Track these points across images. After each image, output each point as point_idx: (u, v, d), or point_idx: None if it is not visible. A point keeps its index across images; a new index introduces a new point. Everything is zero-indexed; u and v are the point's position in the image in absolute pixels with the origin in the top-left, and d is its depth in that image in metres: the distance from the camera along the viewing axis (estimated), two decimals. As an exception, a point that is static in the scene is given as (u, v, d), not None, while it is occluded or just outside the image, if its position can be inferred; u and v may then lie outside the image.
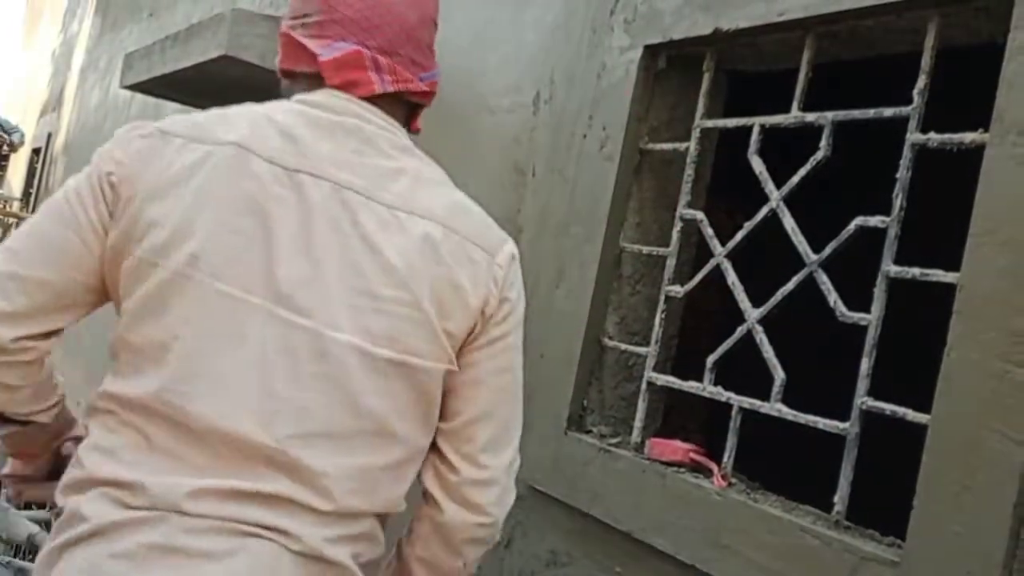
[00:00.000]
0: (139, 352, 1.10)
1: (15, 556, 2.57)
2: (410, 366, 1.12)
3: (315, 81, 1.19)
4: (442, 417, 1.21)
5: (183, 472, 1.06)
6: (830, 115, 1.54)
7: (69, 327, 1.18)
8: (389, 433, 1.14)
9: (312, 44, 1.19)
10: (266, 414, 1.07)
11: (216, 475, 1.06)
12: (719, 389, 1.66)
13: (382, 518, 1.19)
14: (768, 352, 1.58)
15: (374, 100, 1.19)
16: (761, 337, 1.61)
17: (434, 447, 1.22)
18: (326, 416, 1.10)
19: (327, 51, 1.17)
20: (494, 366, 1.20)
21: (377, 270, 1.10)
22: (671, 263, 1.81)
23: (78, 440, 1.28)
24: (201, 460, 1.07)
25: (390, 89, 1.18)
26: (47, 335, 1.16)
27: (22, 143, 10.36)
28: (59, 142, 9.23)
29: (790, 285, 1.56)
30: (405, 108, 1.25)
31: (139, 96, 5.17)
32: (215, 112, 1.18)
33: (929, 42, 1.43)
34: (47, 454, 1.37)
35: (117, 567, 1.02)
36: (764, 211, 1.63)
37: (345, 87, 1.17)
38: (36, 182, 10.37)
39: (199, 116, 1.17)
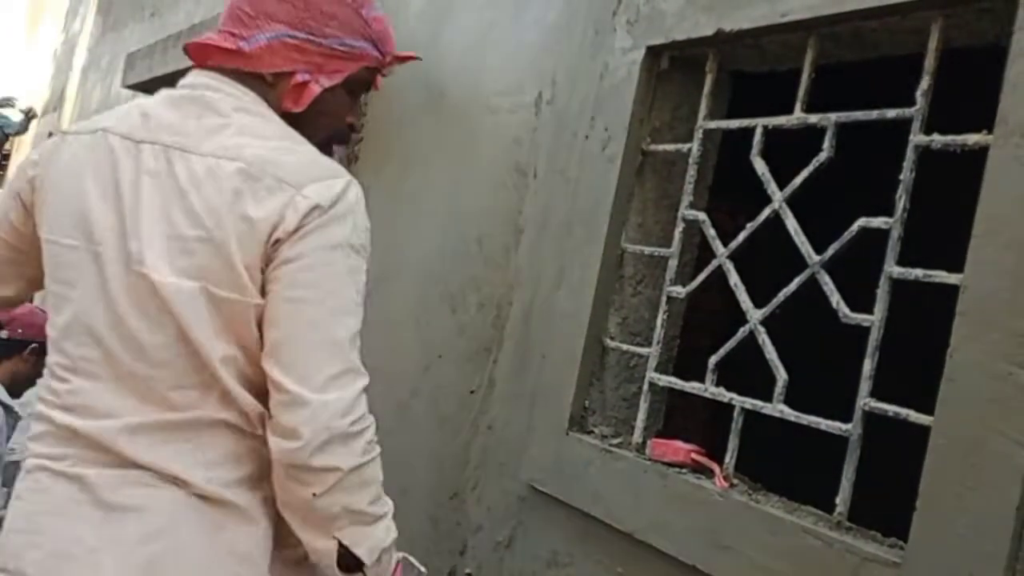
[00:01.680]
0: (54, 302, 1.36)
1: None
2: (217, 297, 1.24)
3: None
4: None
5: (99, 416, 1.28)
6: (833, 116, 1.54)
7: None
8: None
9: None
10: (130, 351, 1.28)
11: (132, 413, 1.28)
12: (721, 390, 1.66)
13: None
14: (770, 353, 1.58)
15: (232, 74, 1.37)
16: (763, 338, 1.61)
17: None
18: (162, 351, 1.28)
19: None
20: (284, 285, 1.23)
21: (183, 214, 1.25)
22: (673, 264, 1.81)
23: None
24: (114, 401, 1.28)
25: (215, 63, 1.38)
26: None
27: (19, 132, 10.35)
28: (60, 141, 9.21)
29: (792, 286, 1.56)
30: (257, 82, 1.38)
31: (140, 96, 5.17)
32: (111, 111, 1.45)
33: (932, 43, 1.43)
34: None
35: (45, 520, 1.26)
36: (766, 212, 1.63)
37: (200, 64, 1.41)
38: (37, 181, 10.36)
39: (96, 116, 1.45)
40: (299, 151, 1.32)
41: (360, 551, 1.28)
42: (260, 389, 1.27)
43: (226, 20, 1.38)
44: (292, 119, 1.38)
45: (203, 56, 1.39)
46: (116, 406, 1.27)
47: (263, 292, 1.25)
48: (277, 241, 1.22)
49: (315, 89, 1.38)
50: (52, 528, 1.24)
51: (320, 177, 1.27)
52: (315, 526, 1.27)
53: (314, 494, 1.23)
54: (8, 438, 3.07)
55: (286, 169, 1.25)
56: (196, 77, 1.38)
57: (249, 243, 1.22)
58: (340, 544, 1.27)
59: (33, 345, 3.13)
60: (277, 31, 1.35)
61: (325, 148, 1.41)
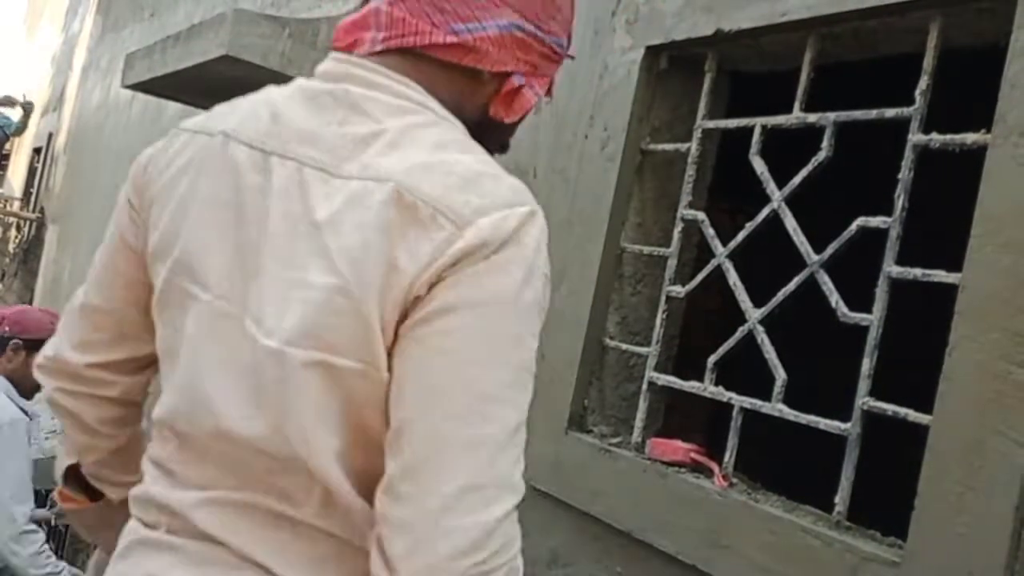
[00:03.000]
0: (162, 362, 1.05)
1: None
2: (337, 369, 0.89)
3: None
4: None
5: (188, 486, 0.99)
6: (832, 116, 1.54)
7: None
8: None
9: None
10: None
11: (223, 487, 0.98)
12: (720, 389, 1.67)
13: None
14: (769, 352, 1.58)
15: (401, 55, 0.99)
16: (762, 337, 1.61)
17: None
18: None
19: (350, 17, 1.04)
20: (419, 355, 0.87)
21: (311, 253, 0.91)
22: (672, 263, 1.81)
23: None
24: (208, 473, 0.99)
25: (379, 47, 0.99)
26: (126, 366, 1.13)
27: (19, 132, 10.35)
28: (60, 141, 9.23)
29: (791, 285, 1.56)
30: (453, 74, 1.01)
31: (140, 96, 5.17)
32: (238, 100, 1.07)
33: (931, 43, 1.43)
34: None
35: None
36: (766, 211, 1.63)
37: (348, 49, 1.02)
38: (37, 181, 10.37)
39: (220, 107, 1.07)
40: (457, 161, 0.92)
41: None
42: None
43: None
44: (470, 130, 1.01)
45: (352, 47, 1.02)
46: (199, 478, 0.99)
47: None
48: (410, 293, 0.86)
49: (530, 98, 1.05)
50: None
51: (487, 207, 0.88)
52: None
53: None
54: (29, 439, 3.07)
55: (439, 191, 0.88)
56: (339, 64, 1.01)
57: (391, 297, 0.87)
58: None
59: (15, 341, 3.09)
60: (510, 19, 1.00)
61: None
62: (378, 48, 0.99)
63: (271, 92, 1.04)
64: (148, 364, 1.12)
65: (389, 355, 0.88)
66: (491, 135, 1.05)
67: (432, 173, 0.90)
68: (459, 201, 0.88)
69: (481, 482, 0.85)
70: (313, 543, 0.94)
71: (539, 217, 0.91)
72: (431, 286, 0.86)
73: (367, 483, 0.92)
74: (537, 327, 0.95)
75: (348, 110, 0.97)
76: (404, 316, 0.87)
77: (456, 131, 0.98)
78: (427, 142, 0.94)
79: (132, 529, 1.03)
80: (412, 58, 0.99)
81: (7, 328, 3.12)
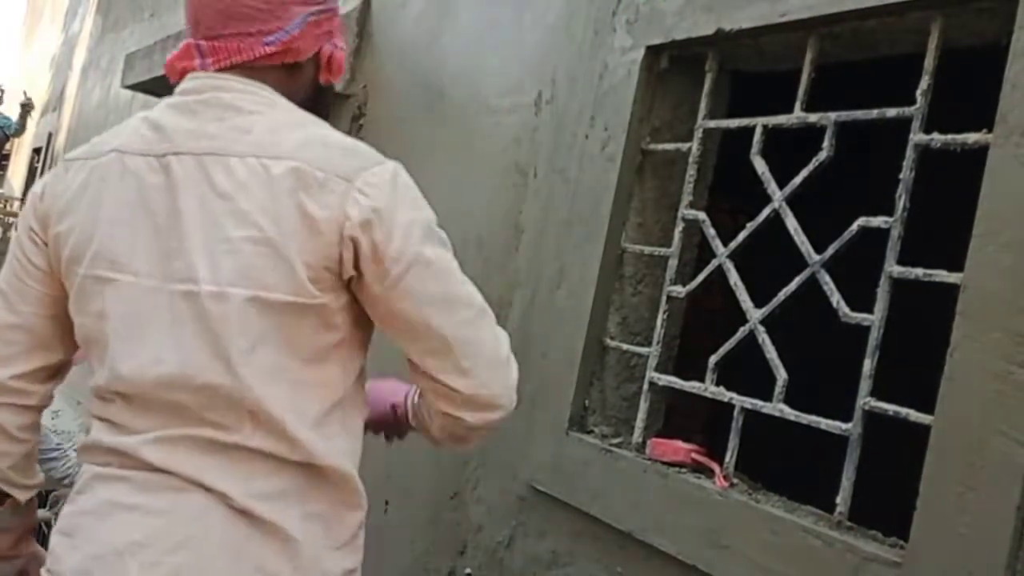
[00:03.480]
0: (89, 348, 1.28)
1: None
2: (268, 303, 1.16)
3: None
4: (408, 352, 1.25)
5: (134, 432, 1.22)
6: (833, 116, 1.54)
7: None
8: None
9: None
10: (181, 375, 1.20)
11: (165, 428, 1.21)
12: (721, 389, 1.66)
13: (307, 469, 1.22)
14: (770, 352, 1.58)
15: (236, 70, 1.27)
16: (763, 337, 1.61)
17: (419, 377, 1.27)
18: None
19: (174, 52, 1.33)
20: (419, 289, 1.20)
21: (229, 216, 1.17)
22: (673, 263, 1.81)
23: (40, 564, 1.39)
24: (147, 419, 1.22)
25: (211, 69, 1.26)
26: (41, 374, 1.35)
27: (19, 132, 10.32)
28: (60, 141, 9.23)
29: (792, 285, 1.56)
30: (278, 72, 1.29)
31: (140, 96, 5.17)
32: (112, 129, 1.34)
33: (932, 43, 1.43)
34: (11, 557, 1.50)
35: (84, 521, 1.22)
36: (766, 211, 1.63)
37: (183, 73, 1.30)
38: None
39: (97, 137, 1.34)
40: (329, 137, 1.25)
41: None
42: (311, 405, 1.21)
43: (226, 21, 1.25)
44: (308, 102, 1.31)
45: (186, 71, 1.29)
46: (144, 425, 1.22)
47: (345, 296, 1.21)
48: (344, 238, 1.16)
49: (342, 55, 1.34)
50: (87, 530, 1.21)
51: (363, 165, 1.20)
52: (460, 444, 1.35)
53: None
54: None
55: (325, 160, 1.19)
56: (196, 81, 1.26)
57: (312, 241, 1.16)
58: None
59: None
60: (303, 13, 1.27)
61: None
62: (210, 70, 1.26)
63: (140, 116, 1.31)
64: (57, 372, 1.38)
65: (324, 285, 1.18)
66: (323, 101, 1.37)
67: (314, 146, 1.20)
68: (341, 163, 1.19)
69: (495, 331, 1.26)
70: (248, 462, 1.19)
71: (403, 169, 1.24)
72: (371, 228, 1.16)
73: (301, 403, 1.20)
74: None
75: (222, 109, 1.24)
76: (340, 257, 1.17)
77: (302, 113, 1.27)
78: (291, 123, 1.24)
79: (86, 471, 1.26)
80: (243, 69, 1.26)
81: None
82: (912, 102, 1.43)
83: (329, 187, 1.17)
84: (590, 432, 1.87)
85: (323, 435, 1.21)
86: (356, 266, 1.18)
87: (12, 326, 1.31)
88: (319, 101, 1.35)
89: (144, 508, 1.18)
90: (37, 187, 1.33)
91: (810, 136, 1.58)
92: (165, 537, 1.17)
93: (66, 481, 3.01)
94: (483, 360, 1.23)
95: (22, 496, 1.40)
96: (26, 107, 10.08)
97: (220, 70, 1.26)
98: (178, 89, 1.29)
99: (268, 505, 1.18)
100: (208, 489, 1.18)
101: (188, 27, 1.30)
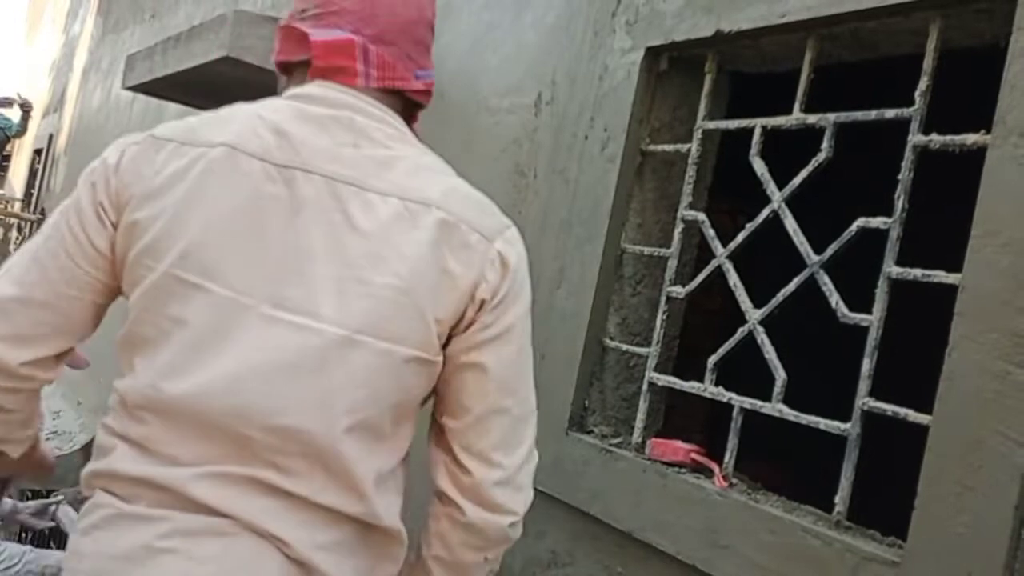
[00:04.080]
0: (135, 351, 1.13)
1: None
2: (393, 354, 1.09)
3: (308, 71, 1.20)
4: (448, 414, 1.19)
5: (181, 463, 1.08)
6: (832, 116, 1.54)
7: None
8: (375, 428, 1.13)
9: (308, 28, 1.20)
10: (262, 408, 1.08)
11: (213, 462, 1.08)
12: (720, 389, 1.67)
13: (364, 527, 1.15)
14: (769, 353, 1.59)
15: (375, 92, 1.19)
16: (762, 338, 1.61)
17: (442, 446, 1.20)
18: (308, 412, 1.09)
19: (320, 33, 1.18)
20: (501, 357, 1.17)
21: (367, 257, 1.09)
22: (672, 264, 1.81)
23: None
24: (197, 449, 1.08)
25: (374, 84, 1.18)
26: (52, 361, 1.18)
27: (19, 134, 10.31)
28: (61, 143, 9.24)
29: (791, 286, 1.56)
30: (402, 102, 1.24)
31: (141, 97, 5.17)
32: (209, 115, 1.18)
33: (931, 44, 1.43)
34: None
35: (114, 567, 1.06)
36: (766, 212, 1.64)
37: (331, 73, 1.17)
38: (38, 183, 10.38)
39: (193, 120, 1.18)
40: (468, 189, 1.20)
41: None
42: (385, 463, 1.15)
43: (401, 36, 1.20)
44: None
45: (337, 71, 1.18)
46: (191, 456, 1.08)
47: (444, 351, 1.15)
48: (474, 299, 1.12)
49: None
50: None
51: (502, 225, 1.18)
52: None
53: (486, 558, 1.24)
54: None
55: (469, 214, 1.14)
56: (331, 92, 1.17)
57: (446, 297, 1.11)
58: None
59: None
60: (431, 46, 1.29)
61: None
62: (373, 84, 1.18)
63: (257, 110, 1.16)
64: (65, 355, 1.21)
65: (450, 344, 1.14)
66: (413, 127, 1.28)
67: (458, 198, 1.15)
68: (482, 221, 1.15)
69: (531, 445, 1.26)
70: (310, 512, 1.09)
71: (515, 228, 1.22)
72: (496, 290, 1.14)
73: (371, 460, 1.12)
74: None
75: (357, 135, 1.14)
76: (464, 313, 1.13)
77: (435, 155, 1.22)
78: (432, 168, 1.19)
79: (105, 503, 1.10)
80: (391, 94, 1.21)
81: None
82: (911, 103, 1.43)
83: (471, 244, 1.12)
84: (590, 432, 1.87)
85: (381, 491, 1.14)
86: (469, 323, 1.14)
87: (45, 305, 1.14)
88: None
89: (187, 553, 1.05)
90: (112, 156, 1.15)
91: (809, 137, 1.58)
92: None
93: None
94: (515, 459, 1.21)
95: (15, 452, 1.27)
96: (25, 107, 10.08)
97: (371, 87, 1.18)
98: (301, 93, 1.17)
99: (326, 556, 1.10)
100: (262, 535, 1.07)
101: (344, 16, 1.18)
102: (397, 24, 1.20)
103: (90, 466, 1.15)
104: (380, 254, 1.09)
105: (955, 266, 1.28)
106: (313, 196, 1.10)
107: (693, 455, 1.65)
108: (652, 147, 1.90)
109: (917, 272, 1.36)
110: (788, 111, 1.63)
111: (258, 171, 1.10)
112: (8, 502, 2.50)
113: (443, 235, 1.11)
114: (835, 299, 1.48)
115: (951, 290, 1.27)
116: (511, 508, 1.21)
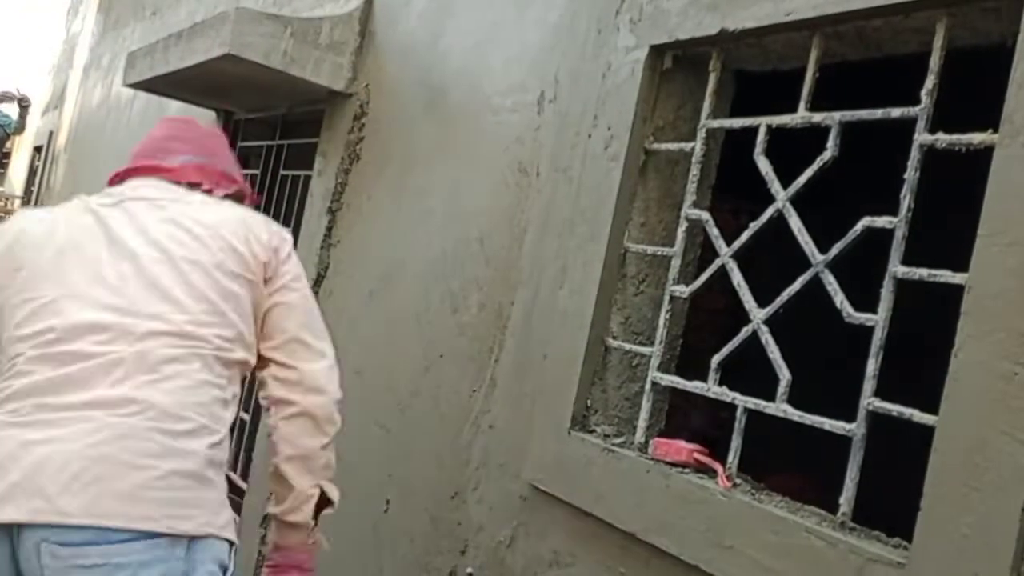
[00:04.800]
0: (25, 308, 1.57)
1: None
2: (231, 273, 1.63)
3: None
4: (267, 338, 1.66)
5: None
6: (837, 115, 1.54)
7: None
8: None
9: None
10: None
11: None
12: (724, 389, 1.66)
13: None
14: (774, 352, 1.58)
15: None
16: (767, 337, 1.60)
17: (266, 363, 1.66)
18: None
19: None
20: (294, 297, 1.71)
21: (188, 232, 1.63)
22: (676, 263, 1.80)
23: None
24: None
25: (220, 193, 1.84)
26: None
27: (19, 130, 10.30)
28: (61, 140, 9.22)
29: (796, 286, 1.55)
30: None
31: (142, 94, 5.17)
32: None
33: (938, 42, 1.42)
34: None
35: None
36: (770, 211, 1.63)
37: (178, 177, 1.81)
38: (37, 180, 10.37)
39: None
40: (253, 214, 1.77)
41: (334, 496, 1.69)
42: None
43: (226, 164, 1.88)
44: None
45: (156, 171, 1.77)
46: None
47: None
48: (268, 266, 1.67)
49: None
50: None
51: (278, 230, 1.76)
52: (311, 473, 1.65)
53: (322, 445, 1.65)
54: None
55: (254, 224, 1.71)
56: (143, 185, 1.75)
57: (258, 247, 1.67)
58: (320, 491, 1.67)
59: None
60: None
61: None
62: (220, 194, 1.81)
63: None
64: None
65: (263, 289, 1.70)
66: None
67: (245, 216, 1.73)
68: (263, 227, 1.73)
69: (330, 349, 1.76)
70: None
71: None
72: (279, 263, 1.71)
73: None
74: None
75: (163, 191, 1.74)
76: (267, 267, 1.68)
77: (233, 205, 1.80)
78: (223, 205, 1.76)
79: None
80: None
81: None
82: (917, 102, 1.43)
83: (260, 237, 1.74)
84: (592, 432, 1.86)
85: None
86: None
87: None
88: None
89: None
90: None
91: (814, 136, 1.58)
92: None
93: None
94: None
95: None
96: (23, 103, 10.06)
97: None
98: (131, 190, 1.77)
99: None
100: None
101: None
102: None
103: None
104: (198, 231, 1.67)
105: (962, 266, 1.28)
106: (139, 207, 1.68)
107: (696, 455, 1.65)
108: (656, 146, 1.89)
109: (923, 272, 1.36)
110: (793, 110, 1.62)
111: (100, 207, 1.69)
112: None
113: (242, 229, 1.72)
114: (840, 298, 1.47)
115: (958, 290, 1.27)
116: (328, 387, 1.67)
